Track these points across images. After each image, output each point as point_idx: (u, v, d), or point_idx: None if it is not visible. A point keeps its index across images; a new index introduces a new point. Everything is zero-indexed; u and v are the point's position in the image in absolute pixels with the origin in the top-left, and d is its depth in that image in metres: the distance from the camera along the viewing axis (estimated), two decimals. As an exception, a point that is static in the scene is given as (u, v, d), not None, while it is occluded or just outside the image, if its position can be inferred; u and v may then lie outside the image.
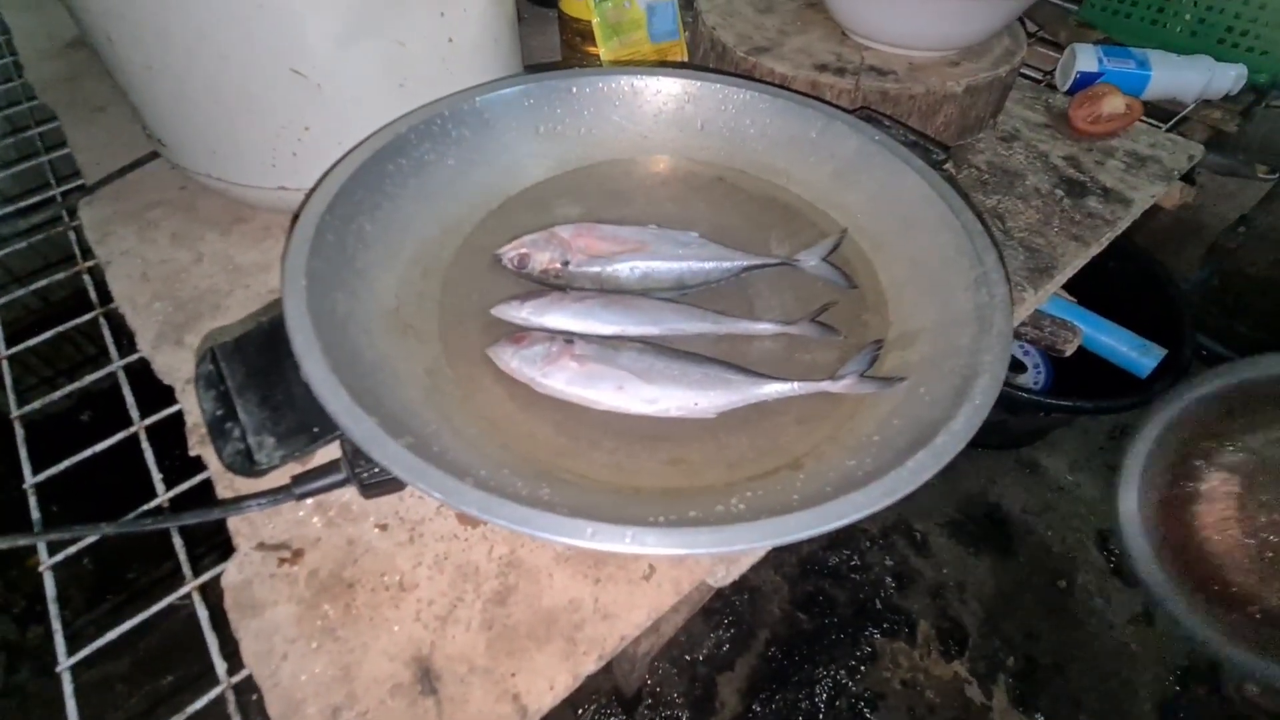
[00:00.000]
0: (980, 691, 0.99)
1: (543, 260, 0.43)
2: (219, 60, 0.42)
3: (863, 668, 1.01)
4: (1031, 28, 0.87)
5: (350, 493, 0.37)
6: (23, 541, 0.31)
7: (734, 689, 0.99)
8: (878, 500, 0.26)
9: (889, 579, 1.10)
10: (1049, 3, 0.91)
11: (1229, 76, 0.71)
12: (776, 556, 1.12)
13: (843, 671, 1.01)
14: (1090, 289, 1.03)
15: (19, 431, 0.44)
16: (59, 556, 0.38)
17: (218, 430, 0.28)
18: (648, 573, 0.35)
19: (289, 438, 0.28)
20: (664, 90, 0.50)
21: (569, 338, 0.38)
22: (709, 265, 0.43)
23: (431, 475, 0.25)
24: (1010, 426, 1.16)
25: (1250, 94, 0.79)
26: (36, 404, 0.45)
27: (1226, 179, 1.04)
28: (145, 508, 0.39)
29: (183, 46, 0.41)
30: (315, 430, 0.28)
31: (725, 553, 0.24)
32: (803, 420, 0.36)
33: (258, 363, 0.30)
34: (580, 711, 0.94)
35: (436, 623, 0.34)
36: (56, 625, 0.36)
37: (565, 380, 0.37)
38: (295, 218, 0.34)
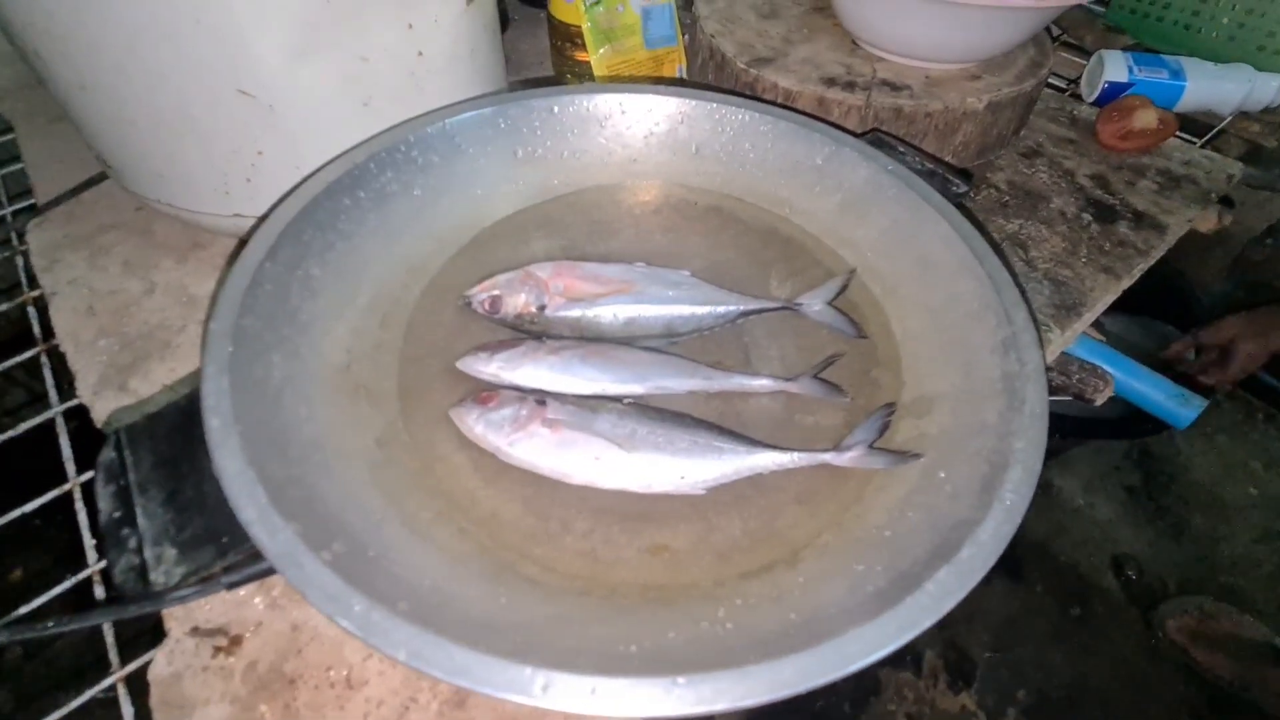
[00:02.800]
0: (989, 726, 0.95)
1: (517, 304, 0.39)
2: (156, 79, 0.37)
3: (866, 700, 0.97)
4: (1054, 31, 0.81)
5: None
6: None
7: (731, 721, 0.95)
8: (893, 638, 0.21)
9: (894, 605, 1.06)
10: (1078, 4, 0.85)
11: (1272, 87, 0.66)
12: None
13: (845, 704, 0.97)
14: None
15: (-55, 485, 0.41)
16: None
17: (113, 538, 0.24)
18: (626, 669, 0.31)
19: (193, 549, 0.24)
20: (655, 109, 0.45)
21: (541, 398, 0.34)
22: (702, 310, 0.39)
23: (353, 606, 0.21)
24: (1023, 446, 1.11)
25: (1291, 104, 0.73)
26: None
27: (1255, 190, 0.98)
28: (69, 583, 0.35)
29: (115, 64, 0.37)
30: (224, 540, 0.24)
31: (706, 712, 0.20)
32: (803, 500, 0.32)
33: (168, 449, 0.26)
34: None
35: (386, 729, 0.30)
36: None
37: (535, 449, 0.33)
38: (228, 265, 0.30)
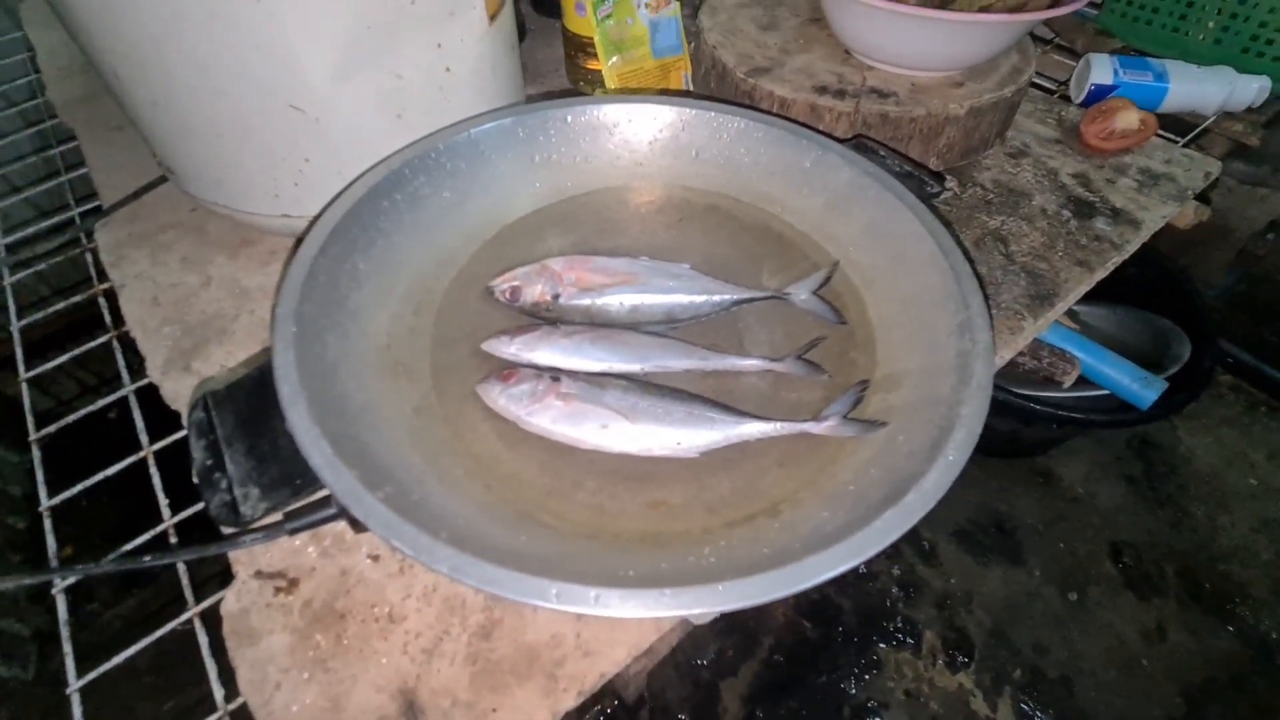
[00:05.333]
0: (985, 704, 0.99)
1: (534, 293, 0.44)
2: (219, 97, 0.43)
3: (866, 677, 1.01)
4: (1048, 34, 0.85)
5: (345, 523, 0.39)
6: (36, 579, 0.33)
7: (736, 695, 1.00)
8: (843, 561, 0.26)
9: (895, 588, 1.10)
10: (1068, 7, 0.88)
11: (1252, 89, 0.69)
12: (783, 563, 1.12)
13: (846, 680, 1.01)
14: (1110, 294, 1.01)
15: (35, 454, 0.46)
16: (70, 580, 0.40)
17: (206, 480, 0.29)
18: (629, 609, 0.36)
19: (273, 489, 0.29)
20: (659, 118, 0.50)
21: (556, 375, 0.39)
22: (699, 299, 0.44)
23: (405, 532, 0.26)
24: (1023, 436, 1.14)
25: (1277, 103, 0.76)
26: (52, 428, 0.47)
27: (1249, 186, 1.00)
28: (148, 536, 0.40)
29: (185, 84, 0.42)
30: (298, 482, 0.30)
31: (687, 615, 0.24)
32: (784, 463, 0.36)
33: (246, 411, 0.31)
34: (584, 715, 0.95)
35: (423, 656, 0.35)
36: (68, 648, 0.38)
37: (550, 419, 0.37)
38: (289, 258, 0.35)
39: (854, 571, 1.11)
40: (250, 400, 0.31)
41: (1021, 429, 1.10)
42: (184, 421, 0.43)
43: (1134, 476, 1.23)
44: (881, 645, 1.04)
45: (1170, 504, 1.19)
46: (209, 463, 0.29)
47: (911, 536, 1.15)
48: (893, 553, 1.14)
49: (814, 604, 1.09)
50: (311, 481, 0.28)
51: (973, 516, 1.18)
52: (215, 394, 0.32)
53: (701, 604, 0.24)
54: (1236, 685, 0.99)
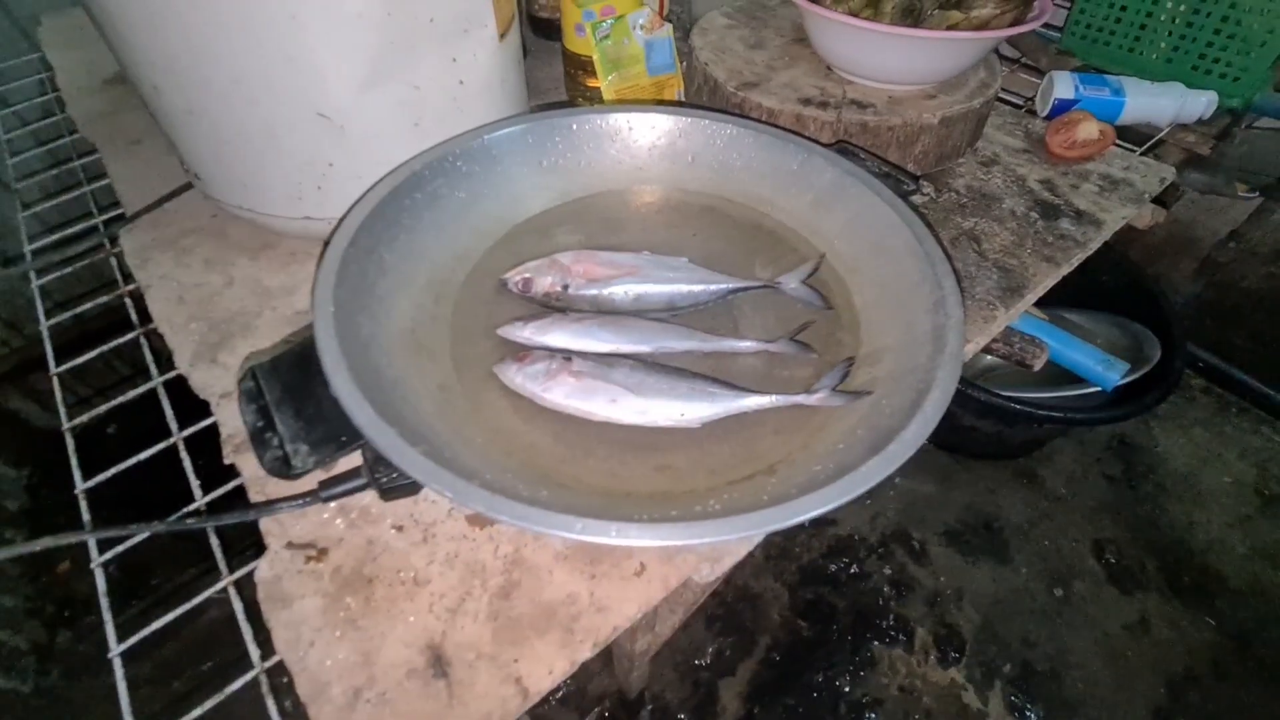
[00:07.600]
0: (976, 697, 1.01)
1: (544, 284, 0.47)
2: (251, 106, 0.46)
3: (861, 674, 1.03)
4: (1015, 55, 0.91)
5: (370, 497, 0.41)
6: (75, 539, 0.35)
7: (735, 694, 1.01)
8: (834, 499, 0.29)
9: (887, 587, 1.13)
10: (1031, 31, 0.95)
11: (1200, 103, 0.75)
12: (777, 565, 1.15)
13: (841, 677, 1.03)
14: (1086, 300, 1.06)
15: (69, 442, 0.49)
16: (109, 554, 0.42)
17: (259, 440, 0.32)
18: (639, 570, 0.39)
19: (320, 445, 0.32)
20: (657, 126, 0.54)
21: (568, 355, 0.42)
22: (697, 288, 0.47)
23: (445, 478, 0.29)
24: (1006, 438, 1.18)
25: (1226, 117, 0.82)
26: (84, 417, 0.50)
27: (1207, 195, 1.07)
28: (187, 510, 0.43)
29: (220, 93, 0.46)
30: (343, 439, 0.32)
31: (700, 544, 0.27)
32: (779, 430, 0.40)
33: (291, 380, 0.34)
34: (585, 717, 0.97)
35: (447, 614, 0.38)
36: (107, 616, 0.40)
37: (564, 394, 0.41)
38: (324, 248, 0.39)
39: (846, 566, 1.14)
40: (293, 372, 0.34)
41: (1005, 430, 1.14)
42: (215, 398, 0.45)
43: (1114, 476, 1.27)
44: (875, 643, 1.07)
45: (1149, 502, 1.23)
46: (260, 424, 0.32)
47: (903, 537, 1.19)
48: (885, 553, 1.17)
49: (809, 604, 1.11)
50: (354, 438, 0.31)
51: (961, 517, 1.21)
52: (261, 366, 0.35)
53: (712, 534, 0.27)
54: (1216, 674, 1.02)
